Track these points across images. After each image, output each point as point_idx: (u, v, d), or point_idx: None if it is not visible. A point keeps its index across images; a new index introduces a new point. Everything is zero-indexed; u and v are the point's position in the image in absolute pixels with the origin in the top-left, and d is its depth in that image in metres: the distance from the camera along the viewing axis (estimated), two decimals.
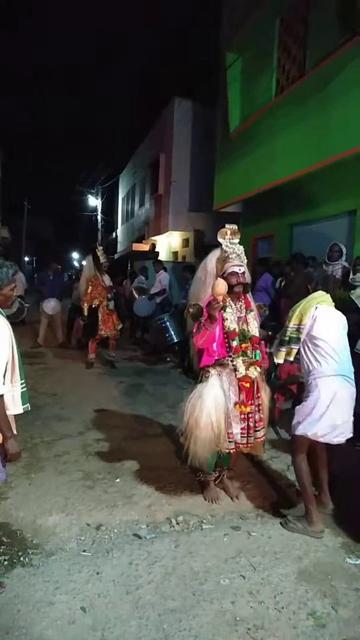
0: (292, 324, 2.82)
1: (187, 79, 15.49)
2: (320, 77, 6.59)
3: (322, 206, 7.34)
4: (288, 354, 2.85)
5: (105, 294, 6.99)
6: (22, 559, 2.45)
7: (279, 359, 2.88)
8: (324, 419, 2.65)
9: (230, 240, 3.08)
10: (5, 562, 2.40)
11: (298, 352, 2.86)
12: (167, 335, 6.83)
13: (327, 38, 6.59)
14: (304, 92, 7.03)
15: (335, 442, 2.74)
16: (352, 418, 2.73)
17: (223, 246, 3.07)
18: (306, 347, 2.79)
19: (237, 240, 3.11)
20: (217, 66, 10.39)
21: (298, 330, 2.79)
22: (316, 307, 2.78)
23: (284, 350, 2.86)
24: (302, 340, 2.79)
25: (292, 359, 2.85)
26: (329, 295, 2.90)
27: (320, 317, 2.75)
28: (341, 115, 6.15)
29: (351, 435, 2.75)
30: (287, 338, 2.84)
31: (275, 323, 4.73)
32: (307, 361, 2.79)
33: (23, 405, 2.25)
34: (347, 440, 2.82)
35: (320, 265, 5.70)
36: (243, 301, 3.09)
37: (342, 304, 5.02)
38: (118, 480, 3.40)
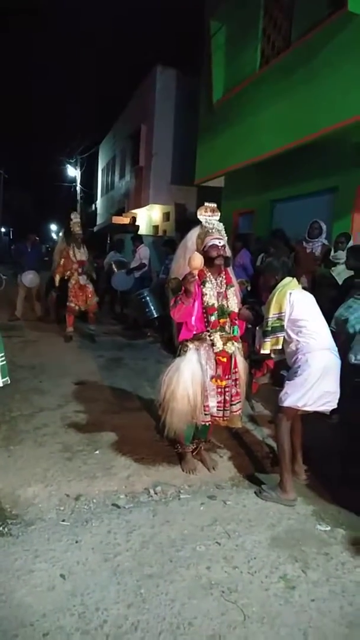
0: (272, 314, 2.90)
1: (171, 46, 14.98)
2: (307, 48, 6.46)
3: (305, 183, 7.32)
4: (275, 343, 2.92)
5: (77, 267, 6.86)
6: (1, 528, 2.47)
7: (266, 349, 2.95)
8: (313, 391, 2.76)
9: (209, 217, 3.08)
10: None
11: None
12: (147, 310, 6.82)
13: (314, 8, 6.45)
14: (290, 64, 6.89)
15: (321, 410, 2.88)
16: (339, 389, 2.84)
17: (203, 222, 3.08)
18: (290, 332, 2.89)
19: (217, 217, 3.11)
20: (202, 34, 10.07)
21: (279, 318, 2.88)
22: (290, 293, 2.90)
23: (269, 340, 2.92)
24: (285, 326, 2.86)
25: (280, 346, 2.92)
26: (295, 280, 3.03)
27: (297, 301, 2.89)
28: (327, 89, 6.07)
29: (336, 405, 2.86)
30: (269, 328, 2.91)
31: (254, 299, 4.77)
32: (294, 343, 2.88)
33: (2, 378, 2.24)
34: (319, 413, 2.93)
35: (281, 247, 5.69)
36: (224, 276, 3.11)
37: (323, 280, 5.12)
38: (97, 452, 3.44)
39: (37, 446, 3.49)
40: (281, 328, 2.89)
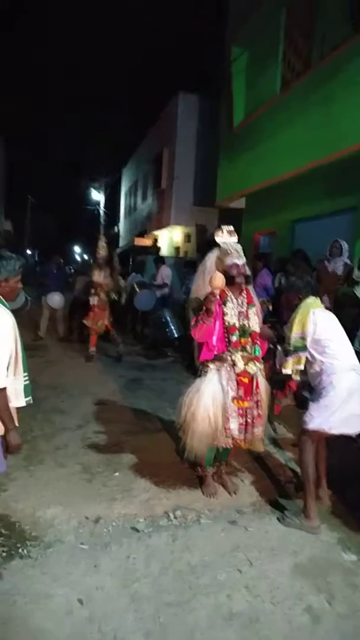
0: (294, 332, 2.88)
1: (192, 73, 15.38)
2: (326, 71, 6.54)
3: (324, 202, 7.30)
4: (297, 362, 2.89)
5: (96, 288, 7.00)
6: (20, 550, 2.46)
7: (287, 369, 2.92)
8: (338, 413, 2.70)
9: (227, 239, 3.10)
10: (4, 554, 2.42)
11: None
12: (167, 330, 6.84)
13: (334, 31, 6.54)
14: (309, 87, 6.98)
15: (347, 433, 2.81)
16: None
17: (221, 244, 3.10)
18: (314, 351, 2.85)
19: (234, 239, 3.14)
20: (222, 60, 10.32)
21: (302, 337, 2.85)
22: (313, 312, 2.88)
23: (291, 359, 2.89)
24: (307, 346, 2.83)
25: (302, 366, 2.89)
26: (318, 299, 3.02)
27: (320, 321, 2.86)
28: (345, 111, 6.10)
29: None
30: (292, 347, 2.89)
31: (275, 319, 4.73)
32: (317, 363, 2.84)
33: (25, 398, 2.26)
34: (347, 437, 2.85)
35: (304, 267, 5.65)
36: (245, 296, 3.10)
37: (345, 300, 5.04)
38: (117, 474, 3.41)
39: (57, 467, 3.49)
40: (303, 347, 2.85)
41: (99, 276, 7.11)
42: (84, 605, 2.10)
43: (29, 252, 35.78)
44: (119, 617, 2.04)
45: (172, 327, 6.79)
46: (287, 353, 2.90)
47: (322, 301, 3.13)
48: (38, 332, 8.59)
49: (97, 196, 27.66)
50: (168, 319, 6.83)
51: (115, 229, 28.30)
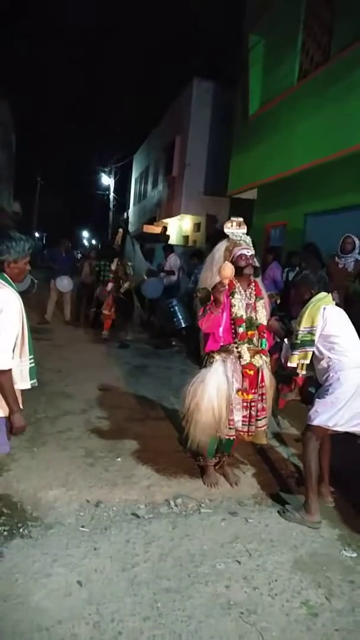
0: (303, 327, 2.85)
1: (208, 60, 15.10)
2: (345, 63, 6.41)
3: (338, 197, 7.20)
4: (304, 357, 2.87)
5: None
6: (21, 530, 2.48)
7: (293, 363, 2.90)
8: (344, 410, 2.68)
9: (236, 230, 3.08)
10: (5, 533, 2.44)
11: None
12: (175, 320, 6.81)
13: (354, 23, 6.39)
14: (327, 79, 6.85)
15: (353, 431, 2.79)
16: None
17: (230, 235, 3.08)
18: (322, 347, 2.82)
19: (243, 231, 3.11)
20: (240, 48, 10.14)
21: (310, 332, 2.82)
22: (324, 308, 2.86)
23: (297, 353, 2.87)
24: (316, 342, 2.80)
25: (307, 361, 2.87)
26: (330, 296, 2.99)
27: (331, 316, 2.84)
28: None
29: None
30: (299, 341, 2.86)
31: (283, 313, 4.70)
32: (325, 360, 2.81)
33: (31, 380, 2.26)
34: (349, 434, 2.83)
35: (317, 262, 5.60)
36: (253, 288, 3.08)
37: (356, 297, 5.00)
38: (119, 459, 3.42)
39: (60, 450, 3.50)
40: (311, 342, 2.83)
41: (113, 265, 7.30)
42: (83, 587, 2.12)
43: (37, 235, 35.76)
44: (118, 600, 2.05)
45: (180, 317, 6.76)
46: (294, 347, 2.88)
47: (332, 298, 3.10)
48: (45, 315, 8.62)
49: (107, 181, 27.48)
50: (176, 308, 6.79)
51: (125, 215, 28.18)
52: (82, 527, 2.58)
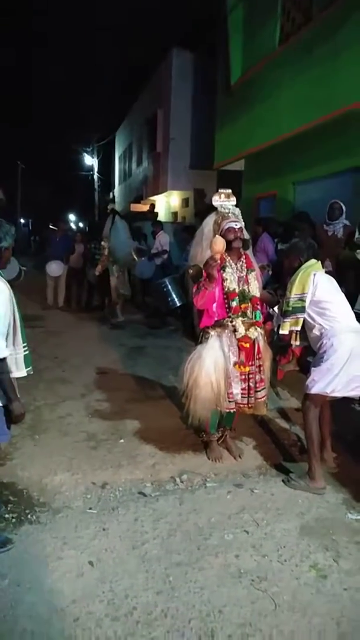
0: (294, 294, 2.84)
1: (187, 28, 14.58)
2: (327, 23, 6.21)
3: (327, 163, 7.09)
4: (295, 323, 2.86)
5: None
6: (29, 516, 2.50)
7: (285, 330, 2.90)
8: (341, 375, 2.69)
9: (225, 202, 3.03)
10: (14, 520, 2.46)
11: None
12: (169, 299, 6.76)
13: None
14: (310, 40, 6.64)
15: (351, 395, 2.82)
16: None
17: (218, 208, 3.04)
18: (313, 313, 2.81)
19: (232, 202, 3.07)
20: (218, 13, 9.79)
21: (301, 299, 2.81)
22: (314, 274, 2.85)
23: (289, 320, 2.86)
24: (306, 308, 2.79)
25: (299, 327, 2.87)
26: (319, 263, 2.98)
27: (321, 283, 2.84)
28: (349, 65, 5.83)
29: None
30: (290, 308, 2.85)
31: (278, 285, 4.67)
32: (317, 325, 2.81)
33: (26, 368, 2.24)
34: (347, 399, 2.86)
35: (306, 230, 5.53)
36: (244, 261, 3.06)
37: (347, 263, 4.97)
38: (122, 440, 3.44)
39: (62, 435, 3.51)
40: (302, 309, 2.82)
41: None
42: (95, 567, 2.15)
43: (22, 221, 35.17)
44: (130, 577, 2.08)
45: (174, 296, 6.71)
46: (285, 314, 2.88)
47: (324, 266, 3.08)
48: (47, 301, 8.74)
49: (91, 161, 26.94)
50: (169, 287, 6.73)
51: (110, 195, 27.73)
52: (90, 509, 2.60)
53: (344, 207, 5.62)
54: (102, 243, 7.40)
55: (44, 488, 2.79)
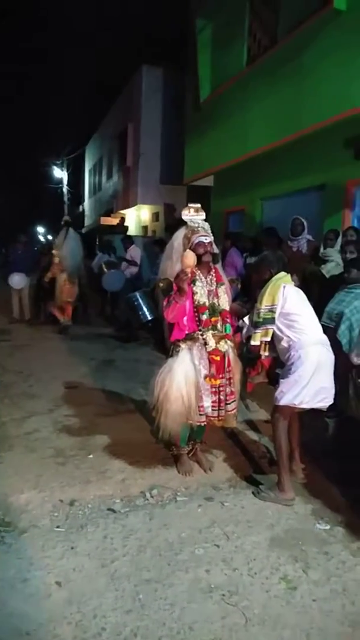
0: (264, 305, 2.89)
1: (158, 45, 14.86)
2: (293, 46, 6.46)
3: (293, 180, 7.32)
4: (265, 334, 2.91)
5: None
6: None
7: (256, 341, 2.94)
8: (309, 387, 2.74)
9: (194, 216, 3.07)
10: None
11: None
12: (140, 313, 6.74)
13: (300, 5, 6.45)
14: (276, 62, 6.88)
15: (318, 407, 2.86)
16: (333, 383, 2.82)
17: (188, 222, 3.08)
18: (282, 325, 2.87)
19: (202, 217, 3.12)
20: (188, 32, 10.03)
21: (271, 310, 2.86)
22: (284, 287, 2.91)
23: (259, 331, 2.90)
24: (276, 319, 2.84)
25: (269, 338, 2.91)
26: (289, 275, 3.05)
27: (290, 295, 2.90)
28: (313, 87, 6.07)
29: (332, 401, 2.85)
30: (261, 319, 2.89)
31: (246, 298, 4.74)
32: (285, 337, 2.86)
33: None
34: (316, 410, 2.91)
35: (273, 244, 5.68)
36: (214, 274, 3.10)
37: (313, 278, 5.11)
38: (91, 456, 3.38)
39: (29, 452, 3.42)
40: (272, 320, 2.87)
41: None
42: (63, 587, 2.08)
43: None
44: (99, 597, 2.03)
45: (145, 310, 6.70)
46: (256, 325, 2.92)
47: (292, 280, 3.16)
48: (12, 315, 8.56)
49: (60, 174, 26.80)
50: (140, 301, 6.72)
51: (80, 208, 27.59)
52: (57, 527, 2.53)
53: (305, 223, 5.79)
54: (53, 252, 7.76)
55: (9, 507, 2.70)
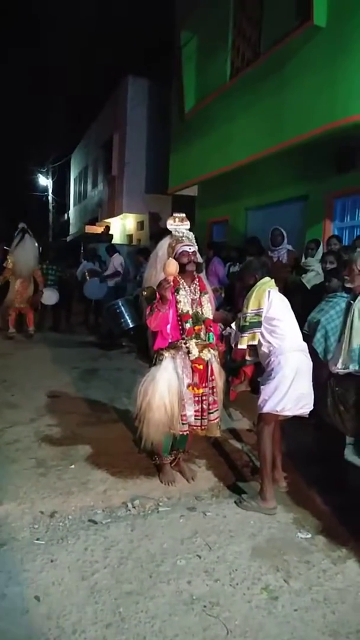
0: (250, 309, 2.91)
1: (143, 56, 15.01)
2: (275, 60, 6.59)
3: (276, 191, 7.43)
4: (252, 338, 2.92)
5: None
6: None
7: (243, 345, 2.95)
8: (289, 393, 2.75)
9: (179, 226, 3.09)
10: None
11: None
12: (122, 320, 6.73)
13: (281, 20, 6.59)
14: (259, 75, 7.02)
15: (300, 413, 2.87)
16: (312, 390, 2.85)
17: (173, 231, 3.09)
18: (264, 330, 2.89)
19: (186, 226, 3.14)
20: (172, 44, 10.17)
21: (258, 314, 2.88)
22: (269, 292, 2.93)
23: (246, 335, 2.92)
24: (262, 323, 2.87)
25: (256, 342, 2.93)
26: (273, 281, 3.07)
27: (274, 300, 2.92)
28: (295, 100, 6.20)
29: (312, 407, 2.86)
30: (247, 323, 2.91)
31: (229, 307, 4.78)
32: (266, 343, 2.88)
33: None
34: (297, 417, 2.93)
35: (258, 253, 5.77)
36: (197, 283, 3.11)
37: (294, 287, 5.17)
38: (72, 466, 3.34)
39: (9, 462, 3.36)
40: (259, 324, 2.89)
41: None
42: (41, 602, 2.04)
43: None
44: (78, 611, 2.00)
45: (127, 318, 6.69)
46: (242, 329, 2.94)
47: None
48: None
49: (45, 182, 26.71)
50: (122, 309, 6.71)
51: (65, 216, 27.50)
52: (37, 540, 2.48)
53: (284, 233, 5.88)
54: (8, 256, 7.89)
55: None
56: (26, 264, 7.83)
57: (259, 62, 7.18)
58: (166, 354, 2.98)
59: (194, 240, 3.13)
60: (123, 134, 14.74)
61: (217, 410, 3.10)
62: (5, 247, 8.74)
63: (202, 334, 3.02)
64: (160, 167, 12.04)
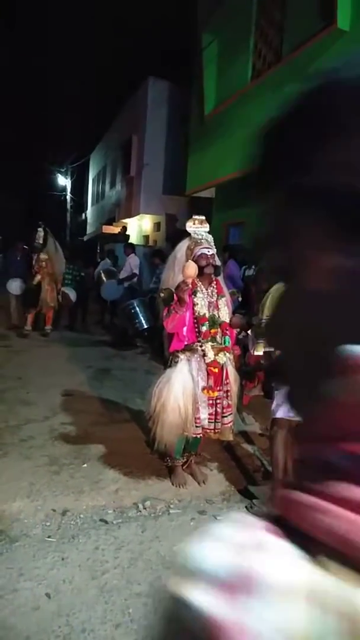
0: (266, 315, 2.88)
1: (164, 58, 15.10)
2: (297, 63, 6.56)
3: None
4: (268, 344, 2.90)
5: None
6: None
7: (259, 351, 2.93)
8: None
9: (198, 228, 3.10)
10: None
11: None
12: (136, 321, 6.76)
13: (304, 23, 6.56)
14: (280, 78, 6.99)
15: None
16: None
17: (192, 234, 3.09)
18: None
19: (206, 229, 3.13)
20: (194, 46, 10.19)
21: None
22: None
23: (262, 341, 2.90)
24: None
25: (272, 348, 2.90)
26: None
27: None
28: None
29: None
30: (263, 330, 2.88)
31: (244, 311, 4.76)
32: None
33: None
34: None
35: None
36: (215, 286, 3.11)
37: None
38: (85, 465, 3.36)
39: (23, 459, 3.40)
40: None
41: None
42: (52, 599, 2.06)
43: None
44: (88, 609, 2.01)
45: (142, 318, 6.72)
46: (259, 336, 2.92)
47: None
48: (11, 320, 8.51)
49: (64, 182, 26.97)
50: (137, 309, 6.74)
51: (83, 216, 27.74)
52: (49, 537, 2.51)
53: None
54: (40, 256, 7.99)
55: (1, 515, 2.68)
56: (61, 266, 8.12)
57: (280, 64, 7.15)
58: (182, 356, 2.98)
59: (212, 243, 3.13)
60: (142, 135, 14.81)
61: (230, 414, 3.09)
62: (24, 246, 8.84)
63: (218, 337, 3.02)
64: (178, 168, 12.07)
